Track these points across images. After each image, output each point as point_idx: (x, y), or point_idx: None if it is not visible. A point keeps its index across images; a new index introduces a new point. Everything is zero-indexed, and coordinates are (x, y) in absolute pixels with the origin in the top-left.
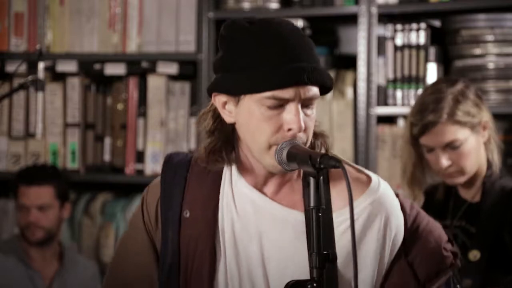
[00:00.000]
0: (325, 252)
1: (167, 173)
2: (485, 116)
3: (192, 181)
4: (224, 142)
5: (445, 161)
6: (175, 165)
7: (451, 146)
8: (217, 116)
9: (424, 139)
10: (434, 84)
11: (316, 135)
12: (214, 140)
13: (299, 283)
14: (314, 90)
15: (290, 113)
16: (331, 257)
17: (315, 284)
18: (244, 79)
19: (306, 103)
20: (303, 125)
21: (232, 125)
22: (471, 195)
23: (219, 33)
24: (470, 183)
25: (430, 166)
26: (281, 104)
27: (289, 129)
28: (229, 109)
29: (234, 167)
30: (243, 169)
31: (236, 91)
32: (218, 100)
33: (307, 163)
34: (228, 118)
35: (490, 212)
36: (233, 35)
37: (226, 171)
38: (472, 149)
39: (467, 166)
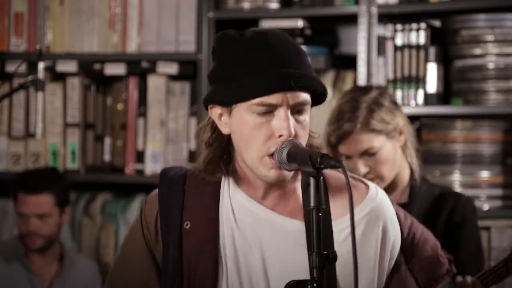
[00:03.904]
0: (325, 252)
1: (165, 186)
2: (401, 121)
3: (190, 193)
4: (222, 153)
5: (363, 168)
6: (171, 178)
7: (368, 154)
8: (215, 128)
9: (341, 148)
10: (348, 93)
11: (312, 148)
12: (212, 152)
13: (299, 283)
14: (304, 96)
15: (280, 119)
16: (331, 257)
17: (315, 284)
18: (234, 88)
19: (296, 109)
20: (293, 131)
21: (229, 137)
22: (394, 200)
23: (215, 37)
24: (391, 188)
25: None
26: (270, 111)
27: (280, 136)
28: (224, 120)
29: (231, 179)
30: (241, 181)
31: (227, 101)
32: (214, 112)
33: (307, 163)
34: (224, 129)
35: (418, 215)
36: (224, 46)
37: (224, 182)
38: (389, 155)
39: (385, 172)
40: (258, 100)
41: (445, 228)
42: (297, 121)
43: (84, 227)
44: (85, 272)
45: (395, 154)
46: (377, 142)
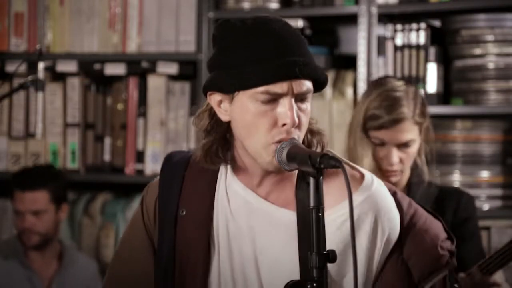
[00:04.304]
0: (325, 252)
1: (166, 173)
2: (427, 121)
3: (189, 180)
4: (221, 141)
5: (396, 158)
6: (173, 164)
7: (406, 145)
8: (213, 115)
9: (381, 134)
10: (389, 81)
11: (313, 132)
12: (210, 140)
13: (299, 283)
14: (307, 84)
15: (284, 107)
16: (331, 257)
17: (315, 284)
18: (237, 75)
19: (300, 98)
20: (296, 120)
21: (228, 124)
22: None
23: (216, 24)
24: (395, 183)
25: (376, 160)
26: (274, 99)
27: (284, 124)
28: (224, 107)
29: (229, 167)
30: (238, 169)
31: (229, 88)
32: (213, 99)
33: (307, 163)
34: (223, 117)
35: None
36: (225, 34)
37: (222, 170)
38: (416, 150)
39: (408, 166)
40: (263, 88)
41: (450, 227)
42: (300, 109)
43: (84, 227)
44: (85, 270)
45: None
46: (415, 135)
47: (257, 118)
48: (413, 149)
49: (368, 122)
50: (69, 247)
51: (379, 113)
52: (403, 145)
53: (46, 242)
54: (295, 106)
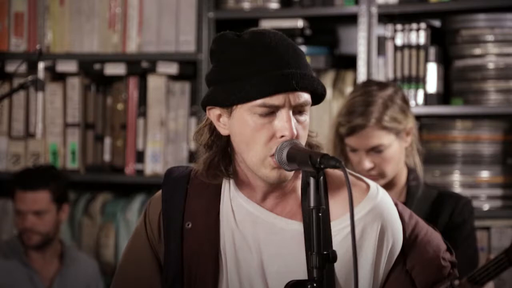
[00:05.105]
0: (325, 252)
1: (168, 187)
2: (410, 123)
3: (192, 193)
4: (222, 155)
5: (368, 164)
6: (175, 178)
7: (376, 150)
8: (213, 130)
9: (350, 140)
10: (364, 86)
11: (311, 146)
12: (211, 154)
13: (299, 283)
14: (305, 96)
15: (282, 120)
16: (331, 257)
17: (315, 284)
18: (235, 89)
19: (298, 110)
20: (295, 131)
21: (228, 138)
22: None
23: (213, 39)
24: (387, 187)
25: (351, 165)
26: (272, 112)
27: (282, 136)
28: (223, 121)
29: (232, 181)
30: (241, 183)
31: (227, 102)
32: (213, 113)
33: (307, 163)
34: (223, 131)
35: None
36: (222, 48)
37: (225, 183)
38: (394, 154)
39: (388, 170)
40: (260, 101)
41: (444, 230)
42: (298, 121)
43: (84, 227)
44: (85, 270)
45: (400, 154)
46: (386, 140)
47: (255, 132)
48: (388, 153)
49: (339, 128)
50: (70, 246)
51: (344, 120)
52: (373, 151)
53: (47, 242)
54: (293, 119)
